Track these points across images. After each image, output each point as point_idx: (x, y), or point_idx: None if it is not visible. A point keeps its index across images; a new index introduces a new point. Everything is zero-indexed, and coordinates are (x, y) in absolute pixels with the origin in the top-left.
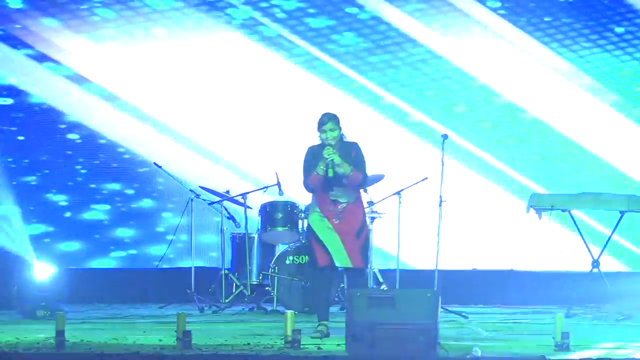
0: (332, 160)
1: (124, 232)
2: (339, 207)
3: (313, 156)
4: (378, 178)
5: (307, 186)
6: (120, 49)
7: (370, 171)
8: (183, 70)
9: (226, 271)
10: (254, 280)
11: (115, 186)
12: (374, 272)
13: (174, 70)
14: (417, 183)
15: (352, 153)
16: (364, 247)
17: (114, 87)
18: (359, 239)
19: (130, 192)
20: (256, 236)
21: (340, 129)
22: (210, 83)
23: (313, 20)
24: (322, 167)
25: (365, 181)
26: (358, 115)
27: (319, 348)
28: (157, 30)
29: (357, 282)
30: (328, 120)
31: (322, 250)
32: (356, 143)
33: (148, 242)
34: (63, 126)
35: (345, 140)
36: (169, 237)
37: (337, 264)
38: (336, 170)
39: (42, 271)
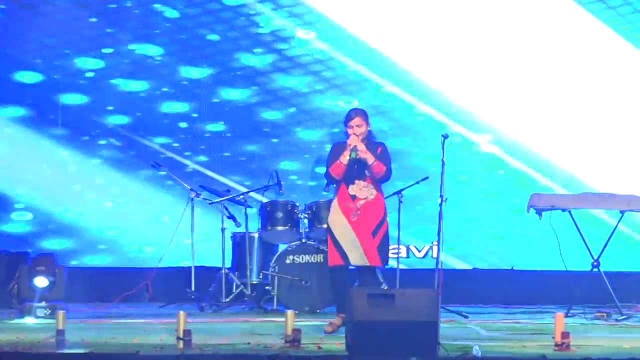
0: (356, 145)
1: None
2: (358, 203)
3: (337, 151)
4: None
5: (329, 175)
6: None
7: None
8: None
9: (226, 270)
10: (254, 280)
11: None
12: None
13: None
14: (417, 183)
15: (377, 150)
16: (381, 246)
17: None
18: (375, 237)
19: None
20: (256, 235)
21: (368, 124)
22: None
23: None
24: (345, 155)
25: (388, 177)
26: None
27: (319, 347)
28: None
29: (369, 280)
30: (355, 116)
31: (336, 249)
32: (383, 143)
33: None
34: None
35: (373, 140)
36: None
37: (353, 262)
38: (359, 156)
39: (41, 282)
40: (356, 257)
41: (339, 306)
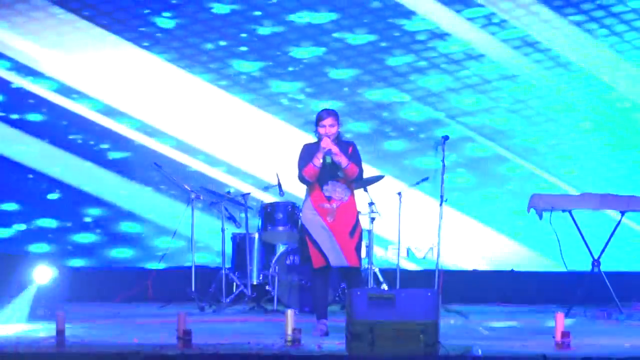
0: (330, 149)
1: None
2: (333, 204)
3: (308, 152)
4: (378, 178)
5: (303, 178)
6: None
7: (371, 172)
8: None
9: (227, 271)
10: (255, 280)
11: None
12: (374, 272)
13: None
14: (417, 183)
15: (348, 150)
16: (358, 246)
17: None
18: (352, 237)
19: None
20: (257, 236)
21: (339, 125)
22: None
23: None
24: (319, 157)
25: (361, 178)
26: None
27: (319, 347)
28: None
29: (355, 281)
30: (327, 116)
31: (317, 250)
32: (353, 141)
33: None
34: None
35: (342, 139)
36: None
37: (333, 263)
38: (333, 159)
39: (43, 274)
40: (335, 258)
41: (322, 312)
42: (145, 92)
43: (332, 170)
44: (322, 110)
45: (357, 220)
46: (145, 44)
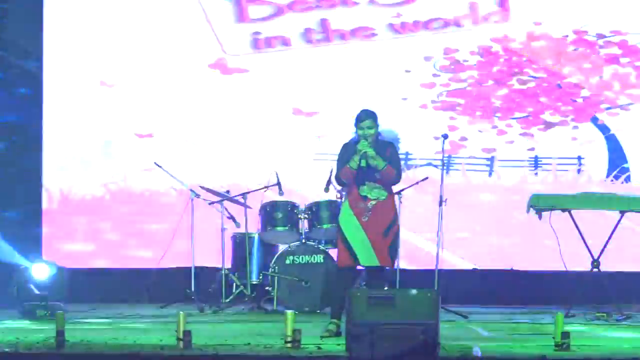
0: (366, 152)
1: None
2: (369, 204)
3: (347, 152)
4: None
5: (339, 179)
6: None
7: None
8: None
9: (226, 271)
10: (254, 280)
11: None
12: None
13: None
14: (417, 183)
15: (387, 151)
16: (392, 246)
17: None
18: (386, 236)
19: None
20: (256, 236)
21: (377, 126)
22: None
23: None
24: (355, 160)
25: (399, 179)
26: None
27: (319, 348)
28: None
29: (377, 281)
30: (366, 118)
31: (346, 250)
32: (392, 143)
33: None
34: None
35: (381, 139)
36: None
37: (363, 263)
38: (369, 162)
39: (41, 271)
40: (366, 257)
41: (336, 311)
42: None
43: (369, 171)
44: (362, 111)
45: (394, 220)
46: None
